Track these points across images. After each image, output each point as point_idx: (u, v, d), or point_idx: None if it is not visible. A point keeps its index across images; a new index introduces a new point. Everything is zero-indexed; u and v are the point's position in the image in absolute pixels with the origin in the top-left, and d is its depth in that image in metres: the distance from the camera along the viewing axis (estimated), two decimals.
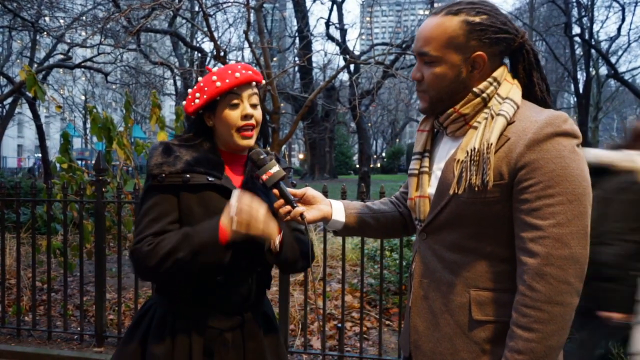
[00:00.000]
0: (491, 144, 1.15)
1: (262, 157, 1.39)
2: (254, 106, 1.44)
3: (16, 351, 3.69)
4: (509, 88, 1.24)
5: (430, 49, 1.22)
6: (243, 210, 1.31)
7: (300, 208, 1.38)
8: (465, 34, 1.20)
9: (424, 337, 1.30)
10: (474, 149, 1.17)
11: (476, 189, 1.16)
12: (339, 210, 1.47)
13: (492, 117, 1.19)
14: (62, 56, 16.89)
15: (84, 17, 13.22)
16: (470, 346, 1.22)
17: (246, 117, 1.42)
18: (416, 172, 1.36)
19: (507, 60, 1.32)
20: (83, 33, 14.58)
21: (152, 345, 1.40)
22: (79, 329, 3.91)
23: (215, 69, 1.44)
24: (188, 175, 1.39)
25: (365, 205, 1.55)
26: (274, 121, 5.90)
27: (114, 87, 22.99)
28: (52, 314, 3.94)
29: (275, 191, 1.38)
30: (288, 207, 1.37)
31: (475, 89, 1.24)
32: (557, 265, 1.09)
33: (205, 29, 5.04)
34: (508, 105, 1.21)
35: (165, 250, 1.33)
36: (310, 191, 1.46)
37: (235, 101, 1.41)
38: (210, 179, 1.40)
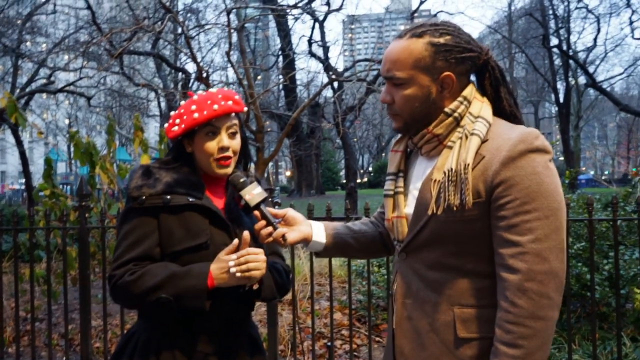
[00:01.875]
0: (468, 164, 1.17)
1: (242, 180, 1.40)
2: (232, 135, 1.45)
3: None
4: (480, 106, 1.27)
5: (398, 71, 1.25)
6: (250, 264, 1.34)
7: (281, 230, 1.39)
8: (431, 55, 1.23)
9: (410, 358, 1.29)
10: (451, 169, 1.19)
11: (454, 208, 1.18)
12: (319, 232, 1.47)
13: (466, 137, 1.22)
14: (44, 81, 16.86)
15: (66, 41, 13.21)
16: (460, 342, 1.22)
17: (222, 149, 1.43)
18: (391, 192, 1.37)
19: (473, 78, 1.35)
20: (65, 57, 14.57)
21: None
22: (64, 358, 3.83)
23: (196, 96, 1.44)
24: (168, 197, 1.40)
25: (345, 225, 1.56)
26: (259, 140, 5.91)
27: (97, 110, 22.92)
28: (36, 344, 3.86)
29: (257, 213, 1.38)
30: (270, 229, 1.38)
31: (446, 109, 1.26)
32: (538, 280, 1.11)
33: (187, 51, 5.08)
34: (480, 124, 1.23)
35: (149, 286, 1.33)
36: (290, 212, 1.46)
37: (212, 132, 1.42)
38: (190, 199, 1.41)
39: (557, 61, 24.36)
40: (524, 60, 29.98)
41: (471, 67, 1.28)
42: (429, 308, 1.26)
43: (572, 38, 22.82)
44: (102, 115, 27.52)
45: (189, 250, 1.39)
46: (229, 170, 1.46)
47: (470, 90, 1.28)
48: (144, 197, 1.39)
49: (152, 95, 19.81)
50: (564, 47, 21.02)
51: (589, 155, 56.23)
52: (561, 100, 23.91)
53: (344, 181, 30.19)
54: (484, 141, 1.21)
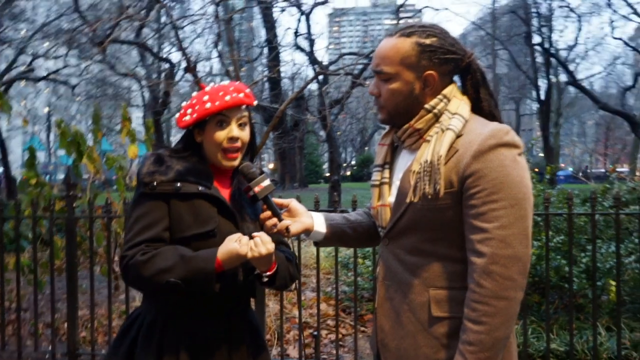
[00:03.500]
0: (441, 156, 1.26)
1: (252, 170, 1.45)
2: (242, 127, 1.49)
3: None
4: (458, 104, 1.36)
5: (386, 67, 1.34)
6: (261, 249, 1.37)
7: (286, 222, 1.46)
8: (417, 54, 1.33)
9: (390, 335, 1.39)
10: (427, 161, 1.28)
11: (429, 196, 1.27)
12: (320, 222, 1.55)
13: (442, 131, 1.31)
14: (23, 68, 16.52)
15: (45, 28, 12.94)
16: (430, 341, 1.31)
17: (232, 139, 1.47)
18: (377, 183, 1.46)
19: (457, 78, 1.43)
20: (46, 44, 14.28)
21: (141, 352, 1.43)
22: (50, 347, 3.83)
23: (208, 88, 1.48)
24: (179, 184, 1.44)
25: (343, 216, 1.64)
26: None
27: (78, 99, 22.57)
28: (21, 334, 3.85)
29: (264, 205, 1.44)
30: (274, 220, 1.44)
31: (427, 106, 1.35)
32: (502, 263, 1.20)
33: (173, 40, 5.06)
34: (456, 120, 1.32)
35: (160, 268, 1.36)
36: (294, 203, 1.53)
37: (223, 122, 1.46)
38: (200, 188, 1.45)
39: (539, 59, 24.71)
40: (507, 57, 30.32)
41: (454, 68, 1.38)
42: (406, 289, 1.36)
43: (554, 36, 23.20)
44: (83, 104, 27.09)
45: (197, 237, 1.43)
46: (235, 163, 1.50)
47: (450, 89, 1.37)
48: (155, 184, 1.43)
49: (135, 85, 19.58)
50: (546, 45, 21.35)
51: (568, 152, 57.10)
52: (542, 97, 24.27)
53: (327, 174, 30.31)
54: (458, 136, 1.30)
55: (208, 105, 1.42)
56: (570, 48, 22.26)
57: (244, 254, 1.37)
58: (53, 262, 3.79)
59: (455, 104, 1.36)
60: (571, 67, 23.78)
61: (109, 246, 3.65)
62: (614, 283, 3.62)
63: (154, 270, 1.36)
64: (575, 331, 3.36)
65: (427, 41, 1.33)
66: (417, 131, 1.36)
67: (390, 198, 1.41)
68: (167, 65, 17.22)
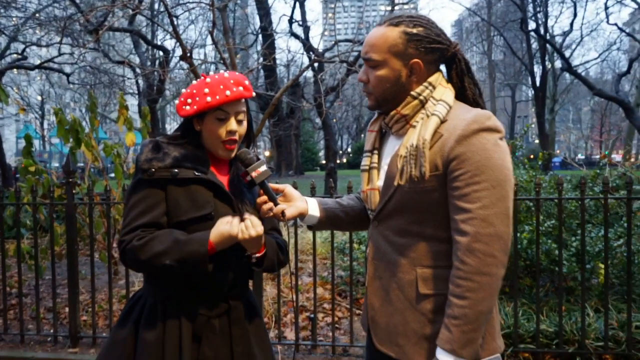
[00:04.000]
0: (426, 140, 1.33)
1: (249, 156, 1.51)
2: (240, 122, 1.54)
3: None
4: (443, 91, 1.42)
5: (374, 54, 1.40)
6: (251, 231, 1.44)
7: (281, 206, 1.52)
8: (404, 42, 1.39)
9: (379, 312, 1.47)
10: (413, 145, 1.34)
11: (415, 179, 1.33)
12: (314, 207, 1.62)
13: (428, 117, 1.37)
14: (16, 56, 16.37)
15: (38, 15, 12.81)
16: (418, 317, 1.39)
17: (230, 132, 1.52)
18: (367, 167, 1.52)
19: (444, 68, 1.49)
20: (38, 32, 14.12)
21: (144, 331, 1.49)
22: (52, 330, 3.91)
23: (209, 79, 1.51)
24: (176, 170, 1.49)
25: (335, 201, 1.70)
26: None
27: (71, 87, 22.38)
28: (23, 317, 3.93)
29: (261, 190, 1.50)
30: (270, 205, 1.51)
31: (413, 92, 1.41)
32: (484, 242, 1.27)
33: (167, 28, 5.03)
34: (441, 106, 1.38)
35: (155, 251, 1.42)
36: (289, 188, 1.59)
37: (222, 117, 1.51)
38: (197, 173, 1.50)
39: (535, 45, 24.66)
40: (503, 43, 30.22)
41: (439, 58, 1.44)
42: (395, 268, 1.42)
43: (550, 22, 23.16)
44: (77, 93, 26.88)
45: (194, 221, 1.48)
46: (232, 154, 1.55)
47: (436, 77, 1.43)
48: (153, 170, 1.48)
49: (129, 72, 19.42)
50: (541, 31, 21.30)
51: (563, 139, 57.09)
52: (537, 84, 24.27)
53: (324, 162, 30.32)
54: (443, 121, 1.36)
55: (209, 99, 1.47)
56: (565, 34, 22.21)
57: (235, 235, 1.43)
58: (53, 247, 3.85)
59: (440, 91, 1.42)
60: (567, 53, 23.75)
61: (108, 232, 3.71)
62: (602, 266, 3.72)
63: (150, 254, 1.42)
64: (564, 313, 3.47)
65: (414, 30, 1.38)
66: (403, 117, 1.42)
67: (379, 182, 1.47)
68: (160, 53, 17.15)
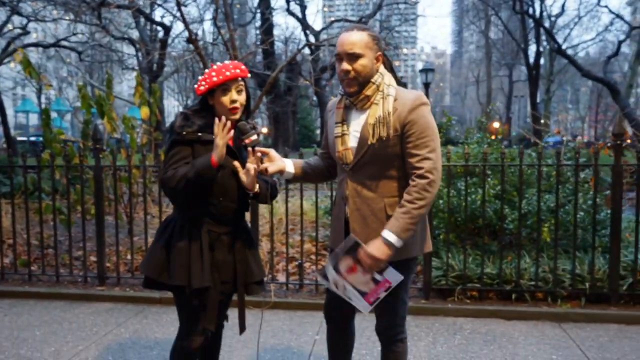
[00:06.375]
0: (389, 112, 2.04)
1: (246, 127, 2.19)
2: (239, 92, 2.22)
3: (31, 291, 4.43)
4: (390, 78, 2.13)
5: (357, 49, 2.07)
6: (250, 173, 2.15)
7: (266, 164, 2.21)
8: (371, 41, 2.09)
9: (360, 234, 2.12)
10: (380, 115, 2.05)
11: (383, 139, 2.03)
12: (290, 165, 2.32)
13: (385, 97, 2.08)
14: (19, 30, 16.81)
15: None
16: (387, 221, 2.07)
17: (233, 101, 2.19)
18: (340, 134, 2.20)
19: None
20: (38, 5, 14.49)
21: (175, 242, 2.20)
22: (82, 273, 4.66)
23: (215, 66, 2.18)
24: (200, 134, 2.17)
25: (305, 161, 2.41)
26: None
27: (68, 61, 22.80)
28: (55, 264, 4.67)
29: (251, 150, 2.19)
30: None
31: (372, 80, 2.11)
32: (431, 172, 1.98)
33: (171, 10, 5.53)
34: (392, 89, 2.09)
35: (180, 174, 2.10)
36: (272, 152, 2.28)
37: (226, 89, 2.18)
38: (213, 136, 2.19)
39: (532, 25, 25.03)
40: (500, 23, 30.49)
41: (382, 52, 2.15)
42: (369, 201, 2.10)
43: (549, 1, 23.41)
44: (75, 67, 27.20)
45: None
46: (237, 116, 2.23)
47: (383, 68, 2.15)
48: (184, 133, 2.16)
49: (127, 48, 19.84)
50: (536, 12, 21.74)
51: (561, 119, 57.17)
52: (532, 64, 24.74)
53: (319, 139, 30.81)
54: (395, 99, 2.07)
55: (215, 79, 2.13)
56: (556, 16, 22.65)
57: (218, 144, 2.08)
58: (84, 204, 4.58)
59: (387, 77, 2.13)
60: (564, 34, 24.20)
61: (130, 192, 4.42)
62: (546, 225, 4.46)
63: (177, 178, 2.09)
64: (507, 261, 4.24)
65: (373, 34, 2.11)
66: (366, 97, 2.12)
67: (351, 143, 2.15)
68: (159, 28, 17.61)
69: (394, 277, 2.06)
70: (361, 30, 2.09)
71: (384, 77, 2.12)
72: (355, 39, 2.07)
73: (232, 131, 2.13)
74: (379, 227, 2.06)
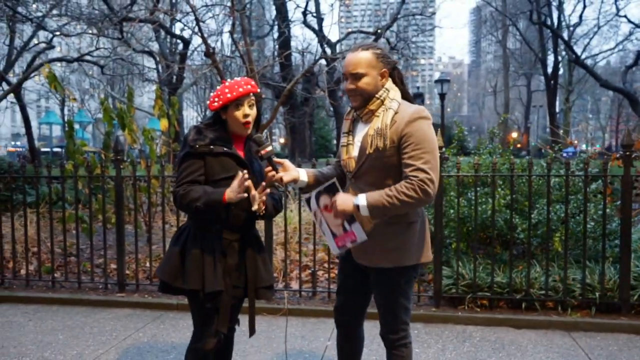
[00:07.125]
0: (387, 125, 2.14)
1: (262, 139, 2.31)
2: (251, 107, 2.34)
3: (54, 297, 4.61)
4: (395, 93, 2.24)
5: (360, 69, 2.19)
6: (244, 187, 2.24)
7: (280, 174, 2.32)
8: (376, 58, 2.20)
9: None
10: (378, 127, 2.16)
11: (380, 149, 2.14)
12: (303, 174, 2.43)
13: (386, 110, 2.19)
14: (43, 45, 17.30)
15: (63, 3, 13.59)
16: (382, 236, 2.19)
17: (245, 116, 2.32)
18: (345, 144, 2.33)
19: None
20: (61, 21, 14.93)
21: (190, 248, 2.32)
22: (102, 280, 4.83)
23: (227, 82, 2.31)
24: (212, 147, 2.29)
25: (318, 170, 2.52)
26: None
27: (90, 73, 23.36)
28: (77, 271, 4.84)
29: (268, 162, 2.31)
30: (273, 172, 2.31)
31: (377, 95, 2.22)
32: (425, 182, 2.05)
33: (188, 24, 5.70)
34: (394, 103, 2.20)
35: (191, 197, 2.22)
36: (287, 162, 2.40)
37: (239, 105, 2.31)
38: (225, 149, 2.32)
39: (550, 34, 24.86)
40: (518, 33, 30.41)
41: (390, 68, 2.25)
42: None
43: (567, 11, 23.32)
44: (97, 80, 27.79)
45: (223, 180, 2.27)
46: (249, 131, 2.36)
47: (390, 83, 2.25)
48: (197, 146, 2.28)
49: (147, 60, 20.23)
50: (554, 23, 21.66)
51: (581, 129, 56.31)
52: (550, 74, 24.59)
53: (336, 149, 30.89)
54: (396, 113, 2.18)
55: (229, 95, 2.27)
56: (574, 26, 22.53)
57: (232, 199, 2.19)
58: (105, 213, 4.75)
59: (393, 92, 2.24)
60: (581, 43, 23.98)
61: (149, 202, 4.59)
62: (557, 235, 4.50)
63: (188, 199, 2.22)
64: (517, 270, 4.28)
65: (378, 51, 2.21)
66: (370, 111, 2.24)
67: (354, 153, 2.28)
68: (179, 42, 17.96)
69: (359, 233, 2.18)
70: (365, 50, 2.20)
71: (389, 92, 2.23)
72: (359, 60, 2.19)
73: (249, 181, 2.24)
74: (378, 234, 2.18)
